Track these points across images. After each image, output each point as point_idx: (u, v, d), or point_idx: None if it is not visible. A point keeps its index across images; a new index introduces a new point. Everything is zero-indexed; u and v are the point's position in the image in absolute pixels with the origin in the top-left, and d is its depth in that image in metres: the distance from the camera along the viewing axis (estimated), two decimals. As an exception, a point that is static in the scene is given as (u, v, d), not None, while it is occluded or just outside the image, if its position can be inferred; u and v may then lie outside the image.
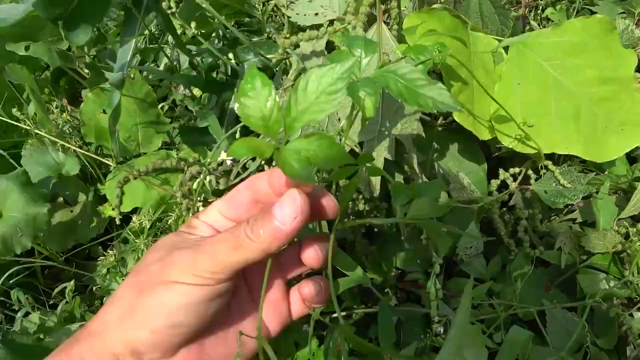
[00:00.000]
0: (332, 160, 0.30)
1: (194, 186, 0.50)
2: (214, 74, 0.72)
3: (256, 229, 0.33)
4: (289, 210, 0.33)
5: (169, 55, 0.76)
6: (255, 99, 0.30)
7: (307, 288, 0.39)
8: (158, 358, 0.33)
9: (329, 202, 0.36)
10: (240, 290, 0.39)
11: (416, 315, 0.55)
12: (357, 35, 0.40)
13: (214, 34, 0.74)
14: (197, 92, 0.76)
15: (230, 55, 0.57)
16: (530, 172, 0.58)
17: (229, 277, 0.34)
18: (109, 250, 0.68)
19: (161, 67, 0.81)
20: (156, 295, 0.33)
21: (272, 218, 0.33)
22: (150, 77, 0.85)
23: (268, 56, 0.55)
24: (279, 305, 0.40)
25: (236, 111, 0.30)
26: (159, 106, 0.80)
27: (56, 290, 0.71)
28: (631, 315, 0.51)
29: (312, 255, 0.38)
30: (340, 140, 0.45)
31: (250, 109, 0.30)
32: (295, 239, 0.40)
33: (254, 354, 0.37)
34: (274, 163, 0.54)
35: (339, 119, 0.49)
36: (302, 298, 0.40)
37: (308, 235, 0.40)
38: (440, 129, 0.61)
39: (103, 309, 0.34)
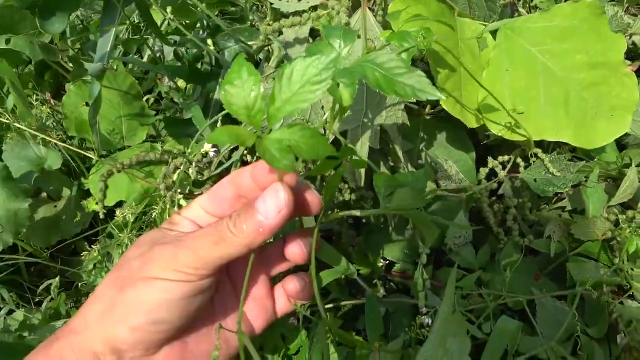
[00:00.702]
0: (315, 150, 0.29)
1: (174, 177, 0.49)
2: (199, 65, 0.70)
3: (239, 223, 0.32)
4: (273, 204, 0.32)
5: (152, 46, 0.75)
6: (240, 88, 0.30)
7: (292, 284, 0.39)
8: (140, 356, 0.32)
9: (312, 198, 0.36)
10: (224, 286, 0.38)
11: (404, 306, 0.54)
12: (336, 25, 0.39)
13: (198, 25, 0.72)
14: (181, 83, 0.74)
15: (210, 42, 0.55)
16: (519, 160, 0.58)
17: (211, 273, 0.33)
18: (92, 246, 0.67)
19: (145, 59, 0.79)
20: (136, 291, 0.32)
21: (255, 212, 0.32)
22: (135, 69, 0.84)
23: (249, 43, 0.53)
24: (264, 302, 0.39)
25: (220, 98, 0.30)
26: (144, 99, 0.79)
27: (41, 287, 0.70)
28: (621, 303, 0.50)
29: (296, 251, 0.37)
30: (324, 131, 0.44)
31: (234, 97, 0.30)
32: (280, 235, 0.39)
33: (238, 351, 0.37)
34: (257, 155, 0.53)
35: (322, 107, 0.48)
36: (286, 294, 0.39)
37: (292, 230, 0.39)
38: (428, 117, 0.60)
39: (84, 307, 0.34)
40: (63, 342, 0.32)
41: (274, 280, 0.40)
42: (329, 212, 0.37)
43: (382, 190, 0.36)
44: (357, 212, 0.36)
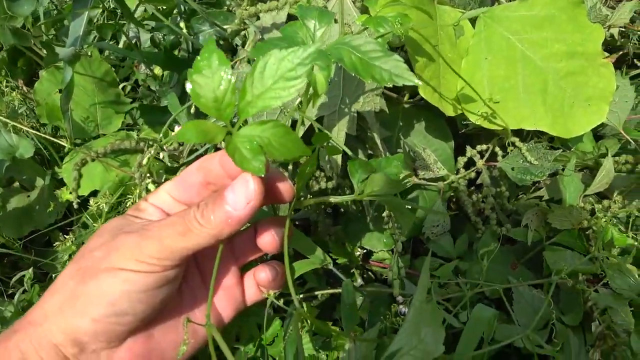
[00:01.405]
0: (287, 151, 0.28)
1: (144, 162, 0.48)
2: (176, 52, 0.69)
3: (207, 213, 0.31)
4: (242, 195, 0.31)
5: (127, 32, 0.73)
6: (209, 78, 0.28)
7: (264, 273, 0.38)
8: (102, 348, 0.31)
9: (284, 185, 0.35)
10: (192, 276, 0.37)
11: (382, 296, 0.54)
12: (312, 6, 0.38)
13: (176, 11, 0.71)
14: (158, 70, 0.73)
15: (182, 24, 0.54)
16: (497, 149, 0.57)
17: (176, 264, 0.32)
18: (67, 236, 0.65)
19: (120, 45, 0.77)
20: (98, 282, 0.31)
21: (224, 202, 0.31)
22: (111, 56, 0.82)
23: (224, 27, 0.52)
24: (233, 291, 0.38)
25: (187, 90, 0.28)
26: (121, 86, 0.77)
27: (14, 278, 0.68)
28: (596, 291, 0.50)
29: (268, 240, 0.36)
30: (298, 117, 0.43)
31: (203, 88, 0.28)
32: (249, 223, 0.39)
33: (206, 342, 0.36)
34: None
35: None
36: (257, 283, 0.39)
37: (264, 219, 0.38)
38: (407, 105, 0.60)
39: (43, 298, 0.32)
40: (21, 335, 0.31)
41: (243, 269, 0.39)
42: (302, 199, 0.36)
43: (356, 176, 0.35)
44: (330, 199, 0.36)
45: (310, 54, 0.28)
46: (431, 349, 0.32)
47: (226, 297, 0.37)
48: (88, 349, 0.31)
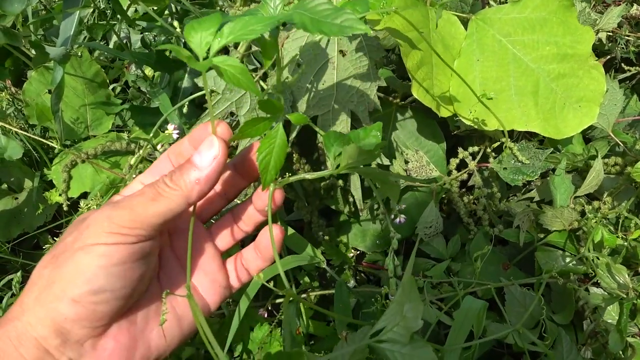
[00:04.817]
0: (237, 80, 0.30)
1: (132, 161, 0.47)
2: (168, 53, 0.68)
3: (176, 177, 0.32)
4: (208, 152, 0.32)
5: (119, 32, 0.73)
6: (197, 30, 0.30)
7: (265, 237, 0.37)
8: (86, 336, 0.30)
9: None
10: (170, 263, 0.37)
11: (375, 296, 0.54)
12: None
13: (167, 12, 0.71)
14: (149, 72, 0.72)
15: (176, 24, 0.54)
16: (489, 150, 0.58)
17: (149, 234, 0.31)
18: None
19: (111, 46, 0.77)
20: (73, 262, 0.30)
21: (192, 165, 0.32)
22: (101, 57, 0.81)
23: (217, 27, 0.52)
24: (216, 276, 0.38)
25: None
26: (111, 87, 0.77)
27: (2, 282, 0.67)
28: (587, 290, 0.51)
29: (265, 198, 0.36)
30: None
31: (194, 37, 0.31)
32: (230, 213, 0.39)
33: (192, 332, 0.36)
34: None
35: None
36: (245, 265, 0.38)
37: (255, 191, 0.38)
38: (399, 107, 0.60)
39: (22, 294, 0.31)
40: (0, 333, 0.30)
41: (225, 256, 0.39)
42: (279, 179, 0.35)
43: (332, 150, 0.34)
44: (306, 176, 0.35)
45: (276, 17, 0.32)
46: (411, 325, 0.32)
47: (209, 282, 0.37)
48: (71, 339, 0.30)
